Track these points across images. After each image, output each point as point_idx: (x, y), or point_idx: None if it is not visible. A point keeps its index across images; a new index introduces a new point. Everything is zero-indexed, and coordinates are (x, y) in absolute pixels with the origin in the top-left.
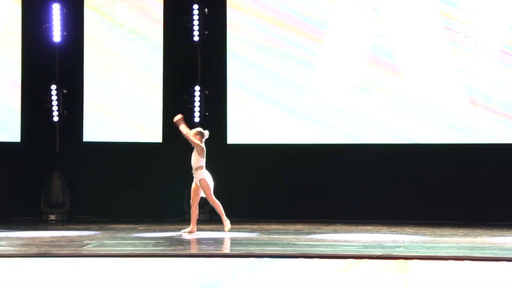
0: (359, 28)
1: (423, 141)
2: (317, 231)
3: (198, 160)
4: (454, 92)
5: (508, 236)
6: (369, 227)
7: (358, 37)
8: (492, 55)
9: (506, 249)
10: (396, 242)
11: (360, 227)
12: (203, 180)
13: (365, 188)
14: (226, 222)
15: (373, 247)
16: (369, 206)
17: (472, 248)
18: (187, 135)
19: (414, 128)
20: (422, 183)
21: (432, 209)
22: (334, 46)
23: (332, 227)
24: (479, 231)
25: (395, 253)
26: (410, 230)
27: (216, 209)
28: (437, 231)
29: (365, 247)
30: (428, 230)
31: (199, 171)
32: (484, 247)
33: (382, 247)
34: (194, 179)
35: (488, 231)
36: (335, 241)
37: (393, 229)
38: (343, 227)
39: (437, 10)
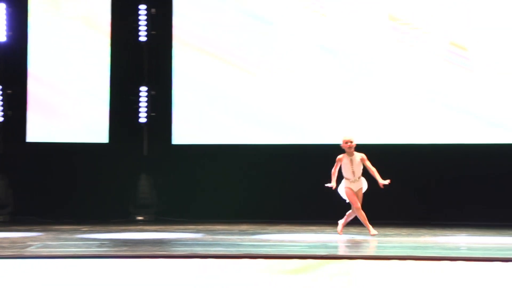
0: (306, 31)
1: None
2: (262, 231)
3: (361, 168)
4: (402, 92)
5: (450, 235)
6: (314, 227)
7: (305, 39)
8: (440, 54)
9: (448, 249)
10: (340, 242)
11: (305, 227)
12: (362, 188)
13: (309, 188)
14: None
15: (318, 247)
16: (314, 206)
17: (415, 248)
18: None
19: (353, 128)
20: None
21: (376, 209)
22: (281, 47)
23: (277, 227)
24: (422, 231)
25: (339, 253)
26: (355, 230)
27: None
28: (381, 230)
29: (309, 247)
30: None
31: (361, 178)
32: (427, 246)
33: (326, 247)
34: (350, 186)
35: (431, 231)
36: (280, 241)
37: (335, 229)
38: (288, 227)
39: (385, 14)
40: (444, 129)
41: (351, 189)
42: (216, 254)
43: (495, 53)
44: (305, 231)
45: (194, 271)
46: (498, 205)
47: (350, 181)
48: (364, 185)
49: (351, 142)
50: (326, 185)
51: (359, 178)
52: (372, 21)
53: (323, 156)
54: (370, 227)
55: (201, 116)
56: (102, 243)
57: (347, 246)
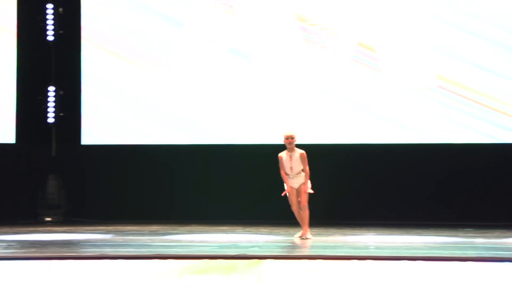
0: (217, 31)
1: (269, 142)
2: (173, 232)
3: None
4: (312, 92)
5: (359, 235)
6: (225, 228)
7: (216, 40)
8: (349, 54)
9: (357, 248)
10: (251, 242)
11: (216, 228)
12: (305, 183)
13: (218, 188)
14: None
15: (228, 247)
16: (223, 206)
17: (325, 247)
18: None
19: (266, 129)
20: (273, 183)
21: (286, 209)
22: (190, 46)
23: (188, 228)
24: (332, 230)
25: (249, 253)
26: (265, 230)
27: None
28: (291, 230)
29: (220, 247)
30: (283, 230)
31: (301, 174)
32: (336, 246)
33: (237, 247)
34: (292, 184)
35: (340, 230)
36: (191, 241)
37: (248, 229)
38: (199, 228)
39: (293, 14)
40: (352, 128)
41: (292, 188)
42: (126, 255)
43: (402, 53)
44: (215, 231)
45: (103, 272)
46: (405, 205)
47: (289, 177)
48: (305, 179)
49: (292, 138)
50: (282, 194)
51: (297, 174)
52: (281, 21)
53: (231, 156)
54: (308, 228)
55: (110, 117)
56: (10, 244)
57: (258, 246)
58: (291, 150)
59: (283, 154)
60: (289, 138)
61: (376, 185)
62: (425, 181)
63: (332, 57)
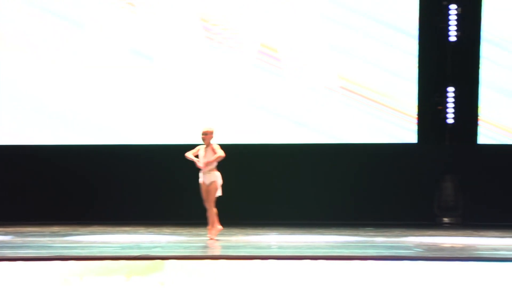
0: (117, 29)
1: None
2: (74, 233)
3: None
4: (216, 92)
5: (261, 235)
6: (127, 228)
7: (116, 38)
8: (252, 55)
9: (260, 248)
10: (153, 243)
11: (118, 228)
12: (216, 182)
13: (124, 189)
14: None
15: (131, 248)
16: (127, 206)
17: (227, 247)
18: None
19: (162, 128)
20: (176, 184)
21: (188, 210)
22: (92, 46)
23: (89, 229)
24: (235, 230)
25: (152, 253)
26: (168, 230)
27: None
28: (194, 230)
29: (122, 248)
30: (185, 230)
31: (214, 172)
32: (239, 245)
33: (139, 247)
34: (204, 180)
35: (243, 230)
36: (92, 242)
37: (150, 229)
38: (100, 229)
39: (197, 16)
40: (255, 128)
41: (203, 184)
42: (26, 256)
43: (304, 54)
44: (117, 232)
45: (2, 275)
46: (307, 204)
47: (202, 172)
48: (217, 179)
49: (205, 134)
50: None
51: (210, 171)
52: (184, 21)
53: (134, 157)
54: (214, 228)
55: (15, 117)
56: None
57: (161, 247)
58: (206, 145)
59: (201, 148)
60: (203, 134)
61: (277, 185)
62: (326, 181)
63: (235, 57)
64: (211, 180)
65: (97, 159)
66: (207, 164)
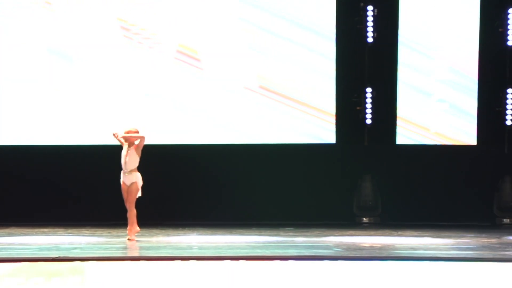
0: (35, 28)
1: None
2: None
3: (136, 160)
4: (136, 93)
5: (182, 235)
6: (46, 229)
7: (34, 37)
8: (171, 56)
9: (181, 248)
10: (72, 244)
11: (36, 230)
12: (137, 183)
13: (41, 189)
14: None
15: (49, 249)
16: (46, 207)
17: (148, 248)
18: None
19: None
20: (97, 184)
21: (110, 210)
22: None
23: (7, 230)
24: (155, 230)
25: (71, 255)
26: (87, 232)
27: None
28: (114, 231)
29: (40, 249)
30: (105, 231)
31: (135, 173)
32: (159, 246)
33: (58, 249)
34: (124, 180)
35: (163, 231)
36: (9, 244)
37: (69, 230)
38: (18, 230)
39: (114, 16)
40: (175, 129)
41: (124, 184)
42: None
43: (223, 55)
44: (36, 234)
45: None
46: (228, 204)
47: (123, 172)
48: (138, 180)
49: (128, 132)
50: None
51: (130, 171)
52: (102, 21)
53: (55, 157)
54: (133, 228)
55: None
56: None
57: (80, 248)
58: (129, 145)
59: (124, 147)
60: (125, 133)
61: (197, 185)
62: (246, 181)
63: (154, 57)
64: (132, 181)
65: (11, 159)
66: (126, 137)
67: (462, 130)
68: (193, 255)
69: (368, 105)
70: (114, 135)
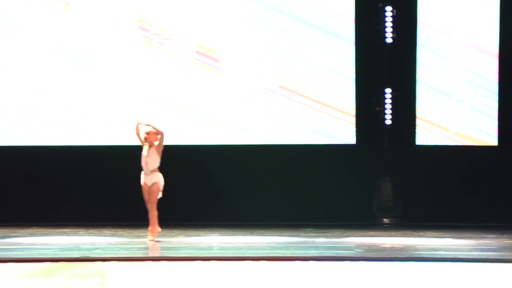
0: (54, 29)
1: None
2: (13, 234)
3: (157, 161)
4: (152, 94)
5: (203, 236)
6: (67, 230)
7: (53, 37)
8: (189, 56)
9: (201, 249)
10: (93, 244)
11: (57, 230)
12: (158, 184)
13: (62, 190)
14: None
15: (71, 249)
16: (68, 208)
17: (169, 249)
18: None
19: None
20: (117, 186)
21: (130, 210)
22: (28, 47)
23: (29, 230)
24: (176, 231)
25: (92, 255)
26: (108, 232)
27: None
28: (135, 232)
29: (62, 249)
30: (126, 232)
31: (156, 173)
32: (180, 247)
33: (79, 249)
34: (146, 181)
35: (184, 231)
36: (31, 244)
37: (90, 231)
38: (40, 230)
39: (133, 17)
40: (194, 129)
41: (145, 185)
42: None
43: (243, 56)
44: (57, 234)
45: None
46: (249, 205)
47: (144, 173)
48: (160, 180)
49: (147, 133)
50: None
51: (152, 171)
52: (120, 22)
53: (71, 158)
54: (154, 229)
55: None
56: None
57: (101, 248)
58: (150, 146)
59: (144, 148)
60: (146, 134)
61: (218, 186)
62: (267, 182)
63: (173, 58)
64: (153, 181)
65: (34, 160)
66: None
67: (483, 131)
68: (214, 256)
69: (388, 106)
70: (137, 124)
